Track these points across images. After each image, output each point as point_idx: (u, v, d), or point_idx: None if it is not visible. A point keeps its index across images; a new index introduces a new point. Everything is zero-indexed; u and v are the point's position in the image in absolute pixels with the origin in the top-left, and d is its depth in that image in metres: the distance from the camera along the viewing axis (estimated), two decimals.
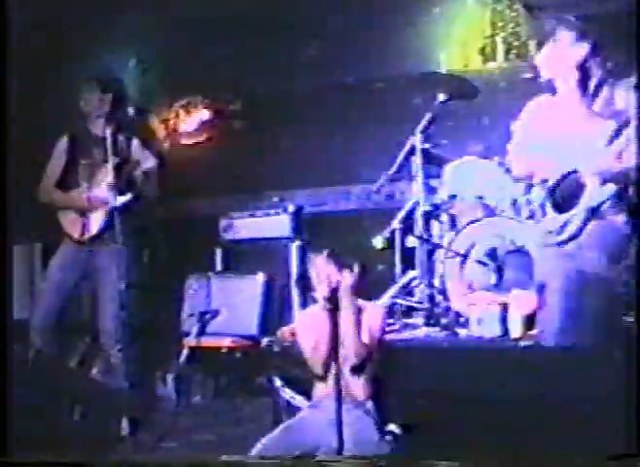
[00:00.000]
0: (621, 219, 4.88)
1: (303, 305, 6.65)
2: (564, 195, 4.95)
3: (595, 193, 4.81)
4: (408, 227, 6.44)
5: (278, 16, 7.69)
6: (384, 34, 7.47)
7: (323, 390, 4.95)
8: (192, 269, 7.40)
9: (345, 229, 7.24)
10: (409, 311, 6.30)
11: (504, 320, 5.44)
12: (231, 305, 7.01)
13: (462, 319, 5.88)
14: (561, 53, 5.21)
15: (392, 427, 4.81)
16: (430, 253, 6.30)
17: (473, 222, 6.12)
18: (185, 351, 6.81)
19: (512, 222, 5.95)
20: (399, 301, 6.28)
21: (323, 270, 4.88)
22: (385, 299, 6.23)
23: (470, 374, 5.07)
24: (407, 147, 6.43)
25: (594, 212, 4.85)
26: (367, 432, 4.77)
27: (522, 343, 5.25)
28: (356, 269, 4.86)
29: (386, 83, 7.51)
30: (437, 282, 6.16)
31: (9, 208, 5.20)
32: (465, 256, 6.04)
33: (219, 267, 7.61)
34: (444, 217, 6.43)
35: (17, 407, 4.97)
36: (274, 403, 5.55)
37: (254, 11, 7.69)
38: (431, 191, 6.48)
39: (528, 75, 7.28)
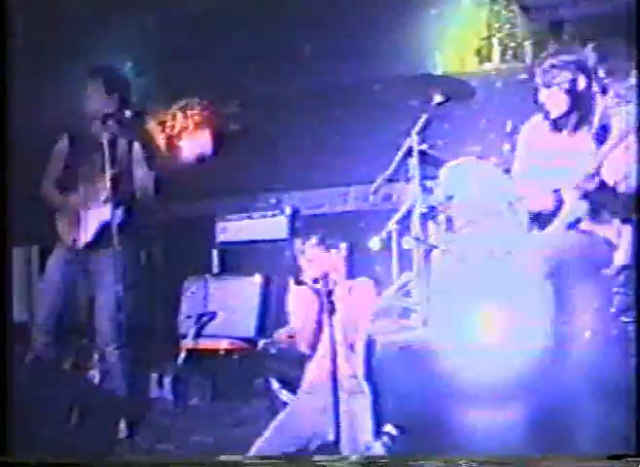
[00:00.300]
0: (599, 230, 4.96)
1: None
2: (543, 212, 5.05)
3: (573, 208, 4.88)
4: (404, 228, 6.43)
5: (274, 17, 7.69)
6: (381, 35, 7.47)
7: (314, 376, 4.97)
8: (189, 271, 7.40)
9: (342, 230, 7.24)
10: (406, 312, 6.29)
11: (499, 321, 5.43)
12: (229, 307, 7.02)
13: (458, 320, 5.86)
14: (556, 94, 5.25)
15: (388, 428, 4.81)
16: (426, 254, 6.29)
17: (469, 223, 6.12)
18: (182, 353, 6.81)
19: (508, 222, 5.95)
20: (395, 302, 6.27)
21: (312, 255, 4.93)
22: (382, 300, 6.22)
23: (466, 374, 5.07)
24: (403, 148, 6.43)
25: (571, 226, 4.93)
26: (358, 419, 4.78)
27: (516, 344, 5.25)
28: (343, 249, 4.91)
29: (383, 84, 7.51)
30: (433, 283, 6.16)
31: (9, 210, 5.21)
32: (461, 257, 6.04)
33: (216, 269, 7.60)
34: (441, 218, 6.42)
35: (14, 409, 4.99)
36: (272, 405, 5.56)
37: (250, 12, 7.70)
38: (428, 192, 6.47)
39: (524, 76, 7.34)
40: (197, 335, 6.88)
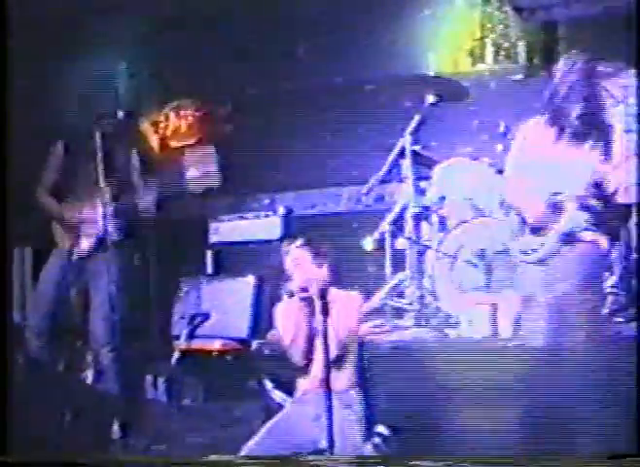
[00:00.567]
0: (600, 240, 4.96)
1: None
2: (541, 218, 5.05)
3: (572, 218, 4.88)
4: (397, 228, 6.43)
5: (267, 18, 7.69)
6: (374, 36, 7.48)
7: (306, 385, 4.96)
8: (182, 272, 7.39)
9: (335, 230, 7.24)
10: (400, 312, 6.29)
11: (494, 320, 5.44)
12: (222, 307, 7.01)
13: (452, 320, 5.88)
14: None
15: (380, 428, 4.81)
16: (420, 254, 6.30)
17: (462, 223, 6.12)
18: (175, 354, 6.80)
19: (501, 223, 5.96)
20: (389, 302, 6.27)
21: (298, 259, 4.92)
22: (375, 300, 6.23)
23: (461, 374, 5.07)
24: (396, 149, 6.43)
25: (569, 236, 4.93)
26: (352, 432, 4.77)
27: (512, 344, 5.25)
28: (328, 260, 4.91)
29: (376, 84, 7.51)
30: (427, 283, 6.16)
31: (9, 212, 5.22)
32: (454, 257, 6.04)
33: (209, 269, 7.59)
34: (434, 218, 6.42)
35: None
36: (265, 405, 5.56)
37: (243, 13, 7.69)
38: (420, 192, 6.47)
39: (517, 77, 7.34)
40: (191, 335, 6.86)
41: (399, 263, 6.40)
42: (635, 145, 4.98)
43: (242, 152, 7.69)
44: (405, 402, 5.10)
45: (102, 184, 5.96)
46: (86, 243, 6.13)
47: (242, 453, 4.80)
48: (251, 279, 7.08)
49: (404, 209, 6.41)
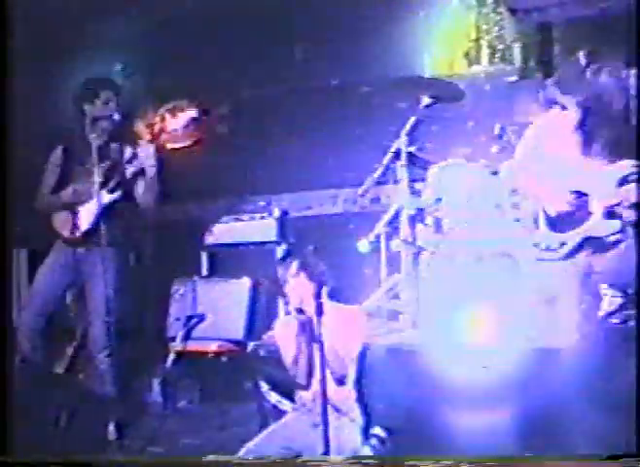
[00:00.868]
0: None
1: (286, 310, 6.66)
2: (563, 214, 5.04)
3: (600, 223, 4.90)
4: (393, 230, 6.43)
5: (264, 19, 7.69)
6: (369, 37, 7.48)
7: (307, 394, 4.96)
8: (177, 274, 7.39)
9: (331, 232, 7.25)
10: (395, 315, 6.29)
11: (490, 323, 5.44)
12: (218, 309, 7.01)
13: (447, 322, 5.86)
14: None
15: (377, 430, 4.82)
16: (415, 256, 6.29)
17: (458, 225, 6.13)
18: (171, 356, 6.81)
19: (496, 225, 5.97)
20: (384, 304, 6.27)
21: (294, 282, 4.94)
22: (371, 302, 6.23)
23: (456, 376, 5.08)
24: (392, 150, 6.42)
25: (595, 241, 4.94)
26: (351, 439, 4.78)
27: (508, 346, 5.26)
28: (325, 279, 4.93)
29: (371, 86, 7.52)
30: (422, 285, 6.16)
31: (9, 213, 5.22)
32: (450, 259, 6.05)
33: (205, 271, 7.59)
34: (430, 220, 6.42)
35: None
36: (261, 407, 5.55)
37: (240, 14, 7.70)
38: (416, 194, 6.47)
39: (513, 78, 7.35)
40: (186, 337, 6.87)
41: (394, 265, 6.41)
42: (635, 144, 5.00)
43: (238, 153, 7.69)
44: (401, 404, 5.10)
45: (98, 185, 5.96)
46: (84, 223, 6.15)
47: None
48: (246, 281, 7.07)
49: (399, 211, 6.40)
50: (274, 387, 5.44)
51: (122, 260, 6.24)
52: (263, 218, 7.39)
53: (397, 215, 6.41)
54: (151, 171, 6.15)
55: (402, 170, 6.39)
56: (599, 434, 4.63)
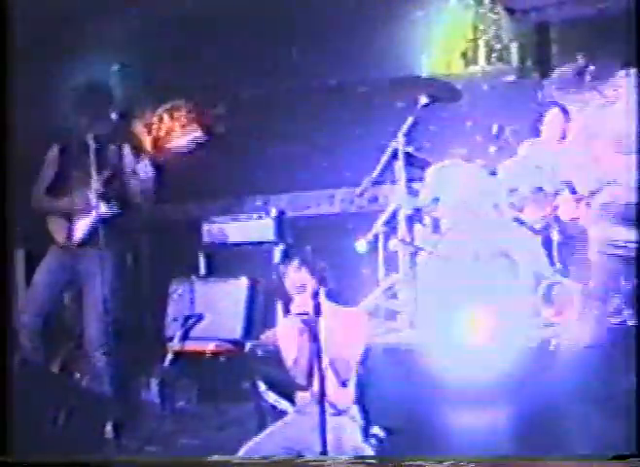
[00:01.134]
0: None
1: (287, 310, 6.65)
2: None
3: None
4: (391, 230, 6.43)
5: (261, 19, 7.68)
6: (366, 37, 7.48)
7: (307, 395, 4.96)
8: (175, 273, 7.38)
9: (329, 232, 7.25)
10: (393, 314, 6.30)
11: (488, 322, 5.45)
12: (215, 309, 7.01)
13: (445, 322, 5.86)
14: None
15: (376, 430, 4.82)
16: (413, 256, 6.30)
17: (455, 225, 6.13)
18: (169, 356, 6.80)
19: (495, 225, 5.99)
20: (382, 304, 6.27)
21: (295, 280, 4.93)
22: (368, 302, 6.23)
23: (455, 376, 5.08)
24: (389, 150, 6.42)
25: None
26: (350, 439, 4.78)
27: (507, 345, 5.27)
28: (326, 275, 4.92)
29: (369, 86, 7.52)
30: (420, 285, 6.16)
31: (8, 214, 5.22)
32: (447, 259, 6.05)
33: (202, 271, 7.59)
34: (427, 220, 6.43)
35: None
36: (259, 407, 5.55)
37: (237, 14, 7.69)
38: (414, 194, 6.48)
39: (510, 78, 7.36)
40: (184, 337, 6.87)
41: (392, 265, 6.41)
42: (635, 144, 5.01)
43: (236, 153, 7.69)
44: (399, 403, 5.11)
45: (96, 185, 5.95)
46: (80, 231, 6.14)
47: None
48: (244, 281, 7.07)
49: (397, 211, 6.41)
50: (272, 387, 5.43)
51: (119, 260, 6.23)
52: (260, 218, 7.40)
53: (394, 215, 6.42)
54: (147, 177, 6.14)
55: (399, 170, 6.40)
56: (600, 434, 4.64)
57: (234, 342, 6.82)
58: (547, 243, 5.94)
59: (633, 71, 5.28)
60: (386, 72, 7.36)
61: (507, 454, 4.69)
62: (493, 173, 6.41)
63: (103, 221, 5.87)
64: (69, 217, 6.20)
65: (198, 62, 7.84)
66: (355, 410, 4.90)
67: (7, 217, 5.46)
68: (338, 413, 4.82)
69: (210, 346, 6.82)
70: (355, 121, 7.45)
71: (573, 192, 6.08)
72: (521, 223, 6.03)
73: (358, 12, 7.51)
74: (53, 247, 6.29)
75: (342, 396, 4.90)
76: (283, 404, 5.30)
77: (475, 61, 7.56)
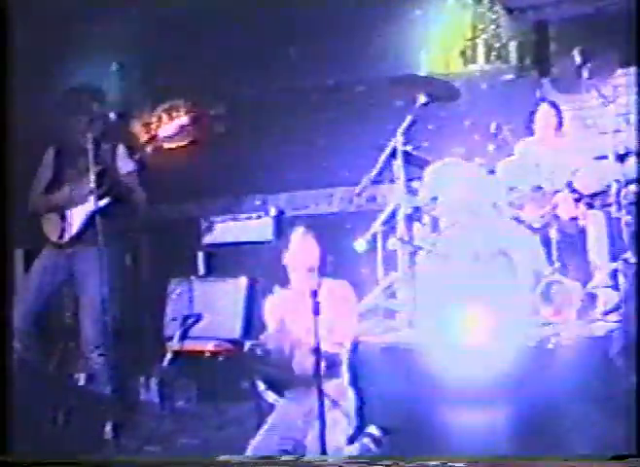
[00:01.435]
0: None
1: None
2: None
3: None
4: (389, 229, 6.42)
5: (259, 19, 7.68)
6: (365, 36, 7.48)
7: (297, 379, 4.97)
8: (174, 273, 7.38)
9: (327, 231, 7.24)
10: (392, 313, 6.29)
11: (486, 322, 5.44)
12: (214, 308, 7.01)
13: (444, 321, 5.85)
14: None
15: (372, 429, 4.82)
16: (412, 255, 6.29)
17: (454, 223, 6.13)
18: (168, 355, 6.80)
19: (494, 223, 5.98)
20: (381, 303, 6.27)
21: (301, 246, 4.95)
22: (367, 301, 6.23)
23: (453, 375, 5.08)
24: (388, 149, 6.41)
25: None
26: (341, 431, 4.78)
27: (505, 344, 5.26)
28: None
29: (367, 85, 7.52)
30: (419, 284, 6.16)
31: (8, 214, 5.22)
32: (446, 258, 6.05)
33: (201, 270, 7.59)
34: (426, 219, 6.42)
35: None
36: (258, 406, 5.54)
37: (236, 14, 7.69)
38: (412, 193, 6.47)
39: (509, 77, 7.36)
40: (183, 337, 6.87)
41: (391, 264, 6.41)
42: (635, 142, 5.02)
43: (234, 153, 7.69)
44: (396, 403, 5.10)
45: (94, 184, 5.95)
46: (74, 227, 6.14)
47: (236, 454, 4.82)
48: (243, 280, 7.07)
49: (395, 210, 6.40)
50: (271, 386, 5.43)
51: (117, 259, 6.23)
52: (259, 217, 7.40)
53: (393, 214, 6.41)
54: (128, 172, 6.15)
55: (398, 169, 6.39)
56: (599, 434, 4.64)
57: (233, 342, 6.82)
58: (546, 242, 5.94)
59: (632, 69, 5.28)
60: (385, 71, 7.36)
61: (506, 454, 4.69)
62: (492, 172, 6.41)
63: (100, 219, 5.87)
64: (63, 214, 6.21)
65: (197, 62, 7.84)
66: (348, 406, 4.90)
67: (6, 217, 5.46)
68: (334, 405, 4.81)
69: (209, 346, 6.82)
70: (354, 120, 7.46)
71: (572, 190, 6.09)
72: (520, 221, 6.02)
73: (357, 11, 7.52)
74: (46, 247, 6.29)
75: (337, 390, 4.90)
76: (282, 403, 5.30)
77: (473, 60, 7.56)
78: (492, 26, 7.54)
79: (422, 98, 6.45)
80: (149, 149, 6.17)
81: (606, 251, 5.93)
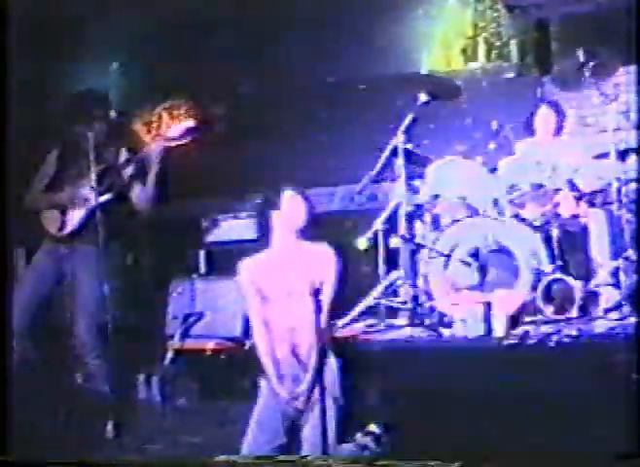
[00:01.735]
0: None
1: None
2: None
3: None
4: (391, 227, 6.42)
5: (261, 18, 7.69)
6: (366, 35, 7.48)
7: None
8: (175, 272, 7.38)
9: (329, 230, 7.23)
10: (394, 312, 6.29)
11: (487, 319, 5.43)
12: (215, 307, 7.00)
13: (446, 319, 5.87)
14: None
15: (372, 427, 4.82)
16: (413, 253, 6.29)
17: (455, 222, 6.13)
18: (169, 354, 6.80)
19: (494, 221, 5.98)
20: (383, 301, 6.26)
21: (288, 207, 4.98)
22: (369, 299, 6.23)
23: (455, 373, 5.08)
24: (389, 147, 6.41)
25: None
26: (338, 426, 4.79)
27: (506, 343, 5.25)
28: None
29: (368, 83, 7.52)
30: (420, 282, 6.16)
31: (8, 213, 5.23)
32: (448, 256, 6.04)
33: (203, 269, 7.59)
34: (427, 217, 6.42)
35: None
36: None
37: (238, 14, 7.69)
38: (414, 191, 6.47)
39: (510, 75, 7.37)
40: (184, 335, 6.87)
41: (392, 262, 6.40)
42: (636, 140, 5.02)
43: (235, 151, 7.69)
44: (398, 401, 5.10)
45: (94, 184, 5.96)
46: (74, 222, 6.15)
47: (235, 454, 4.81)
48: None
49: (397, 208, 6.40)
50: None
51: (119, 258, 6.23)
52: None
53: (395, 212, 6.41)
54: (154, 169, 6.15)
55: (399, 167, 6.38)
56: (600, 434, 4.64)
57: (235, 340, 6.81)
58: (547, 240, 5.93)
59: (632, 68, 5.28)
60: (386, 69, 7.36)
61: (506, 452, 4.68)
62: (493, 170, 6.41)
63: (100, 217, 5.88)
64: (63, 210, 6.21)
65: (198, 61, 7.84)
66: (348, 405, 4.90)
67: (7, 216, 5.46)
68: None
69: (210, 344, 6.81)
70: (355, 118, 7.46)
71: (573, 189, 6.09)
72: (521, 220, 6.02)
73: (358, 9, 7.52)
74: (45, 242, 6.29)
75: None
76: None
77: (474, 58, 7.57)
78: (493, 24, 7.55)
79: (423, 96, 6.44)
80: (151, 148, 6.18)
81: (607, 249, 5.91)
